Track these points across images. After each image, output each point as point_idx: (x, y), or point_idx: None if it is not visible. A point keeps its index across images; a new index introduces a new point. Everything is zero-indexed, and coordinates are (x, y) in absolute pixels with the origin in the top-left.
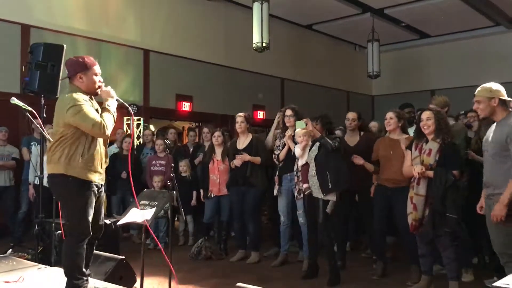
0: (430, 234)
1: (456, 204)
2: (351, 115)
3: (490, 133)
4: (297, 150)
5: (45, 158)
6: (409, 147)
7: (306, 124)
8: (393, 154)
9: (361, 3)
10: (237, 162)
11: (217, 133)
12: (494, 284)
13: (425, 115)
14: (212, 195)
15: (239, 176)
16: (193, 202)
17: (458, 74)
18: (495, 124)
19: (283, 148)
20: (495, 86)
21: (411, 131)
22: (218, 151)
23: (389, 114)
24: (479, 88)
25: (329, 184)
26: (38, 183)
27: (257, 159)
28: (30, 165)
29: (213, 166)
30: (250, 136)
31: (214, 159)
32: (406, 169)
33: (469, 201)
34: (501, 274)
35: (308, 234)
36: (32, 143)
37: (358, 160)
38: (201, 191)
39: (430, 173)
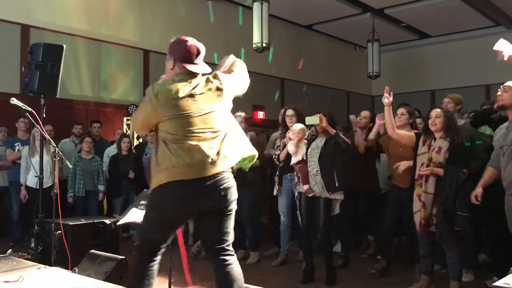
0: (443, 234)
1: (466, 202)
2: (364, 112)
3: (506, 135)
4: (291, 148)
5: (45, 159)
6: (417, 136)
7: (320, 120)
8: (402, 151)
9: (361, 3)
10: None
11: None
12: (494, 284)
13: (434, 112)
14: None
15: (236, 177)
16: None
17: (458, 74)
18: (508, 123)
19: (283, 148)
20: None
21: None
22: None
23: (401, 110)
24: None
25: (336, 182)
26: (38, 185)
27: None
28: (22, 166)
29: None
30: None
31: None
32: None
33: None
34: (501, 274)
35: (303, 236)
36: (15, 144)
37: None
38: None
39: (440, 171)
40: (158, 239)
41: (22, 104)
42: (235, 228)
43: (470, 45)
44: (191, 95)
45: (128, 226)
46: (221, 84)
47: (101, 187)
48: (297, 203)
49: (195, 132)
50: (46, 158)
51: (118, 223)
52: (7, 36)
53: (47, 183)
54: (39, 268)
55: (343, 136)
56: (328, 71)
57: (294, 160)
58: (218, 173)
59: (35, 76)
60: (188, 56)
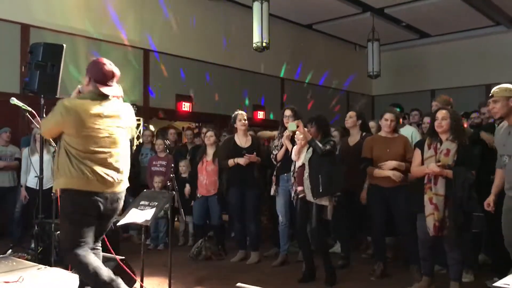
0: (452, 236)
1: (480, 202)
2: (349, 113)
3: (506, 137)
4: (293, 155)
5: (45, 158)
6: (419, 146)
7: (297, 126)
8: (390, 152)
9: (361, 3)
10: (244, 161)
11: (209, 133)
12: (494, 284)
13: (441, 114)
14: (199, 195)
15: (242, 177)
16: (187, 191)
17: (458, 74)
18: (506, 126)
19: (281, 148)
20: (511, 86)
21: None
22: (210, 151)
23: (390, 116)
24: (495, 88)
25: (320, 188)
26: (38, 185)
27: (260, 160)
28: (22, 166)
29: (202, 166)
30: (249, 136)
31: (204, 160)
32: (415, 169)
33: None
34: (501, 274)
35: (299, 238)
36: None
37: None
38: (187, 186)
39: (450, 173)
40: (78, 241)
41: (22, 104)
42: (237, 228)
43: (470, 45)
44: (99, 115)
45: (128, 226)
46: (127, 108)
47: None
48: (294, 204)
49: (97, 151)
50: (46, 158)
51: (118, 224)
52: (7, 36)
53: (47, 183)
54: (39, 269)
55: (317, 142)
56: (328, 71)
57: (297, 165)
58: (116, 191)
59: (35, 76)
60: (103, 78)
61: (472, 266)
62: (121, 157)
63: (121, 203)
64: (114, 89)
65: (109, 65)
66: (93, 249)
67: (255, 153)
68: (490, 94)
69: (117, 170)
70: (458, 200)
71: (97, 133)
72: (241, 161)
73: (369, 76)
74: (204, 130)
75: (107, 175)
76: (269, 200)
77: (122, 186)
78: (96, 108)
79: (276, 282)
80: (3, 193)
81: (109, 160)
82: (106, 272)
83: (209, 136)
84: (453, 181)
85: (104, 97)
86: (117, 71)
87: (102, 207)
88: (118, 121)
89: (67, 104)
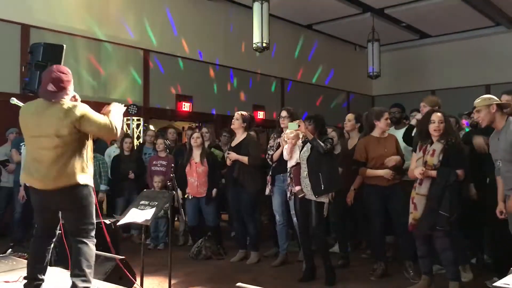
0: (423, 230)
1: (452, 203)
2: (348, 116)
3: (497, 143)
4: (285, 154)
5: None
6: (414, 149)
7: (299, 126)
8: (388, 151)
9: (361, 3)
10: (227, 161)
11: (196, 135)
12: (494, 284)
13: (438, 117)
14: (190, 197)
15: (230, 176)
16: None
17: (458, 74)
18: (494, 134)
19: (277, 148)
20: (490, 95)
21: (396, 131)
22: (197, 152)
23: (387, 115)
24: (477, 99)
25: (322, 186)
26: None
27: (245, 159)
28: (21, 166)
29: (191, 169)
30: (244, 135)
31: (191, 162)
32: (411, 169)
33: (471, 201)
34: (501, 274)
35: (301, 237)
36: (22, 144)
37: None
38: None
39: (433, 173)
40: (37, 226)
41: (22, 104)
42: (237, 227)
43: (470, 45)
44: (36, 117)
45: (128, 226)
46: (73, 111)
47: (102, 187)
48: (290, 204)
49: (35, 150)
50: None
51: (118, 223)
52: (7, 36)
53: None
54: None
55: (319, 141)
56: (328, 71)
57: (289, 164)
58: (54, 188)
59: (35, 76)
60: (44, 83)
61: (469, 262)
62: (56, 157)
63: (68, 198)
64: (51, 95)
65: (57, 72)
66: (77, 241)
67: (231, 152)
68: (473, 106)
69: (47, 168)
70: (436, 199)
71: (33, 133)
72: (228, 161)
73: (369, 76)
74: (203, 130)
75: (37, 172)
76: (268, 200)
77: (51, 185)
78: (35, 110)
79: (276, 282)
80: (11, 194)
81: (42, 158)
82: (31, 269)
83: (195, 138)
84: (436, 181)
85: (49, 100)
86: (65, 77)
87: (41, 201)
88: (58, 122)
89: (21, 107)
